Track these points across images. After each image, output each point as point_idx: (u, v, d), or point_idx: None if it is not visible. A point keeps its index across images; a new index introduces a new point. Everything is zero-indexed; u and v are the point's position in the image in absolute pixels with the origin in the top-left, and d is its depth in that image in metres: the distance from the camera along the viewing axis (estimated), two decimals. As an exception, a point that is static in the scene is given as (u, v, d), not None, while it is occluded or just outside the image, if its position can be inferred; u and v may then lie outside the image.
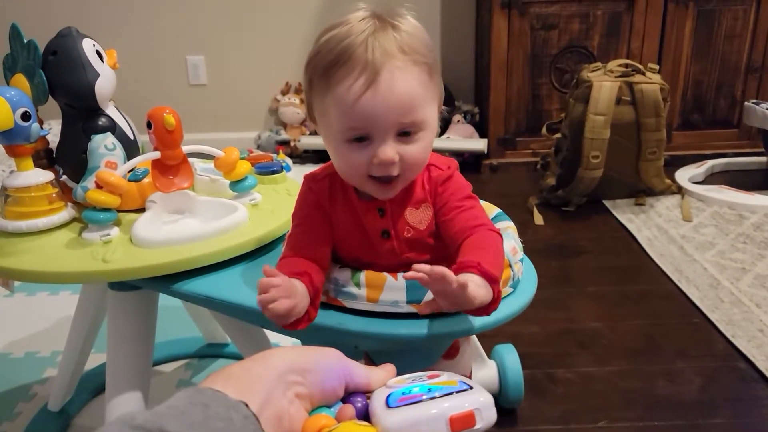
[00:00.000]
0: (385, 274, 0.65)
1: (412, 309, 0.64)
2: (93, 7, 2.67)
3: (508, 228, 0.76)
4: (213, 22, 2.71)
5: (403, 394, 0.43)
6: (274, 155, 2.57)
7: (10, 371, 1.28)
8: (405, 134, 0.62)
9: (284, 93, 2.78)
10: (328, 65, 0.61)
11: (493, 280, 0.58)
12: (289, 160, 2.44)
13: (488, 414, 0.40)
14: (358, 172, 0.63)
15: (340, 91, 0.60)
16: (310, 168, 2.53)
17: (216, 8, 2.69)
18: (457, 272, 0.57)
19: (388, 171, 0.62)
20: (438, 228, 0.68)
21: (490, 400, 0.41)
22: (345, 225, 0.68)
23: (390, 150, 0.61)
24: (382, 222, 0.67)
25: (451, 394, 0.41)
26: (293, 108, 2.72)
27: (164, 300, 0.86)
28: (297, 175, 2.58)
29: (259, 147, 2.75)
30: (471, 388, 0.42)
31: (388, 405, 0.42)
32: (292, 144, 2.67)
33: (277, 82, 2.79)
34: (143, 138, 0.91)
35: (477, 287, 0.56)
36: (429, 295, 0.64)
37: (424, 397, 0.41)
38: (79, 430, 1.11)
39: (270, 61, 2.77)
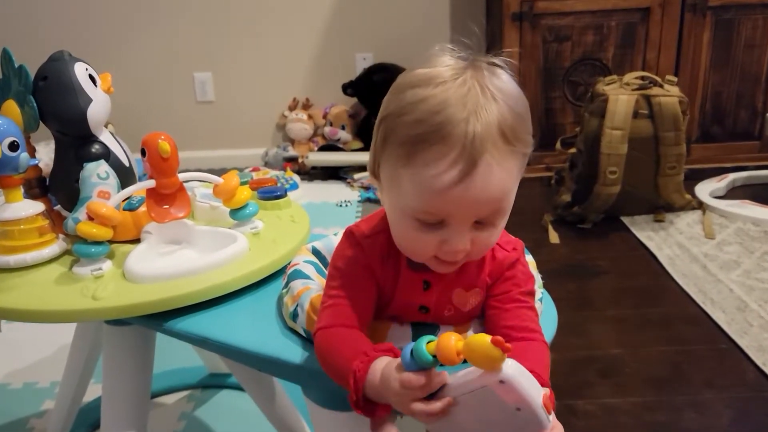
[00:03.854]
0: (389, 321, 0.60)
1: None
2: (100, 24, 2.66)
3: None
4: (220, 39, 2.69)
5: None
6: (282, 173, 2.50)
7: (7, 403, 1.24)
8: (481, 222, 0.55)
9: (291, 109, 2.75)
10: (416, 138, 0.52)
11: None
12: (296, 177, 2.40)
13: None
14: (421, 252, 0.56)
15: (428, 174, 0.51)
16: (318, 184, 2.53)
17: (223, 25, 2.68)
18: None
19: (456, 258, 0.56)
20: (484, 311, 0.62)
21: None
22: (385, 288, 0.61)
23: (465, 241, 0.54)
24: (425, 296, 0.60)
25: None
26: (301, 124, 2.69)
27: (164, 330, 0.81)
28: (305, 191, 2.51)
29: (266, 164, 2.72)
30: None
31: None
32: (299, 160, 2.63)
33: (284, 97, 2.76)
34: (144, 159, 0.87)
35: None
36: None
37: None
38: (76, 466, 1.06)
39: (277, 76, 2.74)
